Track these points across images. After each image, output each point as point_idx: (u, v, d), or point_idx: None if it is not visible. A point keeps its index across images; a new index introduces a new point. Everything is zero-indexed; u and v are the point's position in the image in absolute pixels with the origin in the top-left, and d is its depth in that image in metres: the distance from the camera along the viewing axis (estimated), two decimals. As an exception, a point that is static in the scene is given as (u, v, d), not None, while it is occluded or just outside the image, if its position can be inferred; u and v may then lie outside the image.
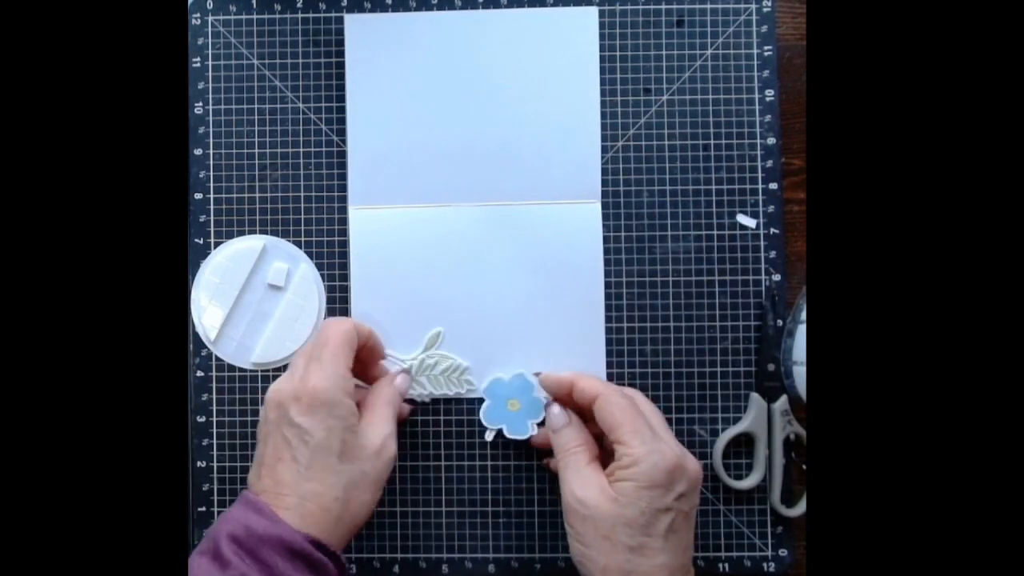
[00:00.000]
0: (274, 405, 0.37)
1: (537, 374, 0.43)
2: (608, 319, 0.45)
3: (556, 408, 0.41)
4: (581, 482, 0.38)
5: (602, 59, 0.46)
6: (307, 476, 0.35)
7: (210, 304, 0.45)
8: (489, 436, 0.45)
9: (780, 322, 0.45)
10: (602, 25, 0.46)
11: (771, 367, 0.45)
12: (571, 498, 0.37)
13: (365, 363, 0.42)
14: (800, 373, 0.44)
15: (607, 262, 0.45)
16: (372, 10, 0.46)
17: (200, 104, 0.46)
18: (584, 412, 0.40)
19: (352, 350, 0.39)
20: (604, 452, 0.40)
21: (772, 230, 0.45)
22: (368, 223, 0.46)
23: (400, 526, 0.45)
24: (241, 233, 0.46)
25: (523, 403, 0.44)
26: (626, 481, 0.36)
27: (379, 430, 0.38)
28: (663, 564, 0.36)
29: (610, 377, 0.45)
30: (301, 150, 0.46)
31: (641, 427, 0.37)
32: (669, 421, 0.45)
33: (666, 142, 0.46)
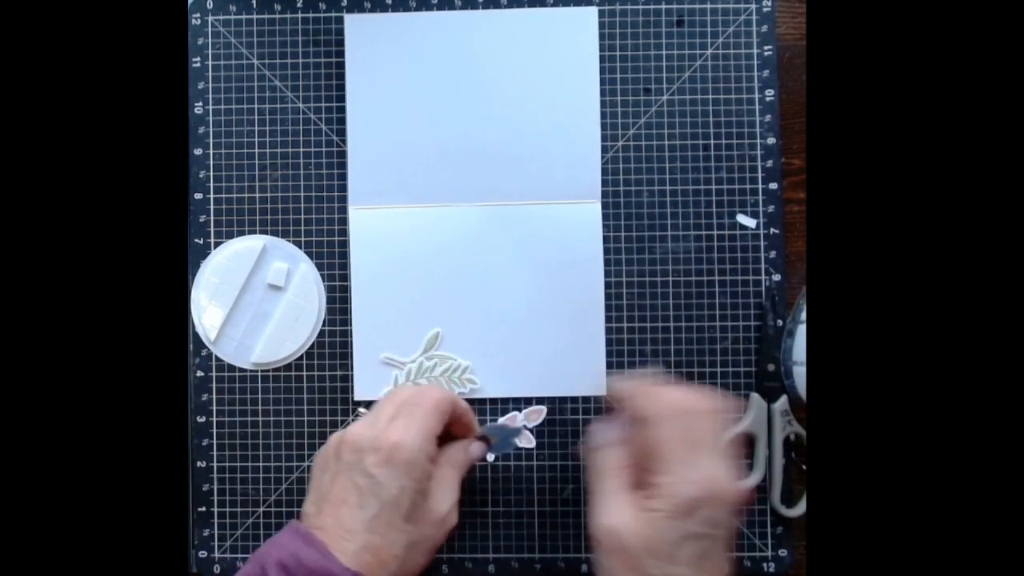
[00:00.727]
0: (351, 448, 0.36)
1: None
2: (608, 319, 0.45)
3: (596, 426, 0.39)
4: (612, 510, 0.35)
5: (602, 59, 0.46)
6: (371, 528, 0.35)
7: (210, 304, 0.45)
8: (491, 458, 0.45)
9: (780, 322, 0.45)
10: (602, 25, 0.46)
11: (771, 367, 0.45)
12: (601, 528, 0.35)
13: (453, 437, 0.41)
14: (800, 373, 0.44)
15: (607, 262, 0.45)
16: (372, 10, 0.46)
17: (200, 104, 0.46)
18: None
19: (444, 417, 0.38)
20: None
21: (772, 230, 0.45)
22: (368, 223, 0.46)
23: (400, 526, 0.45)
24: (241, 233, 0.46)
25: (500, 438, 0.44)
26: (652, 511, 0.34)
27: (447, 498, 0.38)
28: None
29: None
30: (301, 150, 0.46)
31: (678, 454, 0.34)
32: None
33: (666, 142, 0.46)
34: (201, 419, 0.46)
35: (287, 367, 0.46)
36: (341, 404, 0.45)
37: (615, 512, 0.35)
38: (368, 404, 0.45)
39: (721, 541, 0.35)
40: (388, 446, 0.35)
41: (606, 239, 0.45)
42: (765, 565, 0.44)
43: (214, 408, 0.46)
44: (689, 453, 0.35)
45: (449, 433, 0.40)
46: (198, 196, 0.46)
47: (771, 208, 0.45)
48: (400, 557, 0.35)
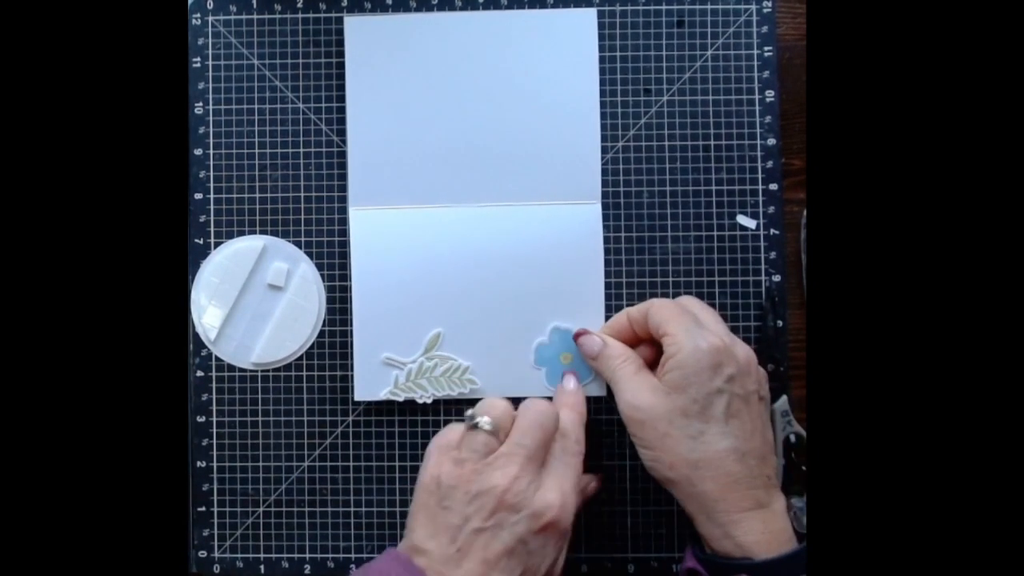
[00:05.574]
0: (508, 508, 0.34)
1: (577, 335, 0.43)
2: (608, 319, 0.45)
3: (585, 337, 0.42)
4: (632, 389, 0.38)
5: (602, 59, 0.46)
6: None
7: (210, 304, 0.46)
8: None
9: (780, 322, 0.45)
10: (602, 26, 0.46)
11: (771, 367, 0.45)
12: (626, 407, 0.38)
13: None
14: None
15: (607, 262, 0.45)
16: (372, 11, 0.46)
17: (200, 104, 0.46)
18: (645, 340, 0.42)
19: None
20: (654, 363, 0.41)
21: (772, 231, 0.45)
22: (368, 223, 0.46)
23: (400, 526, 0.45)
24: (241, 233, 0.46)
25: (574, 353, 0.44)
26: (673, 371, 0.37)
27: (562, 560, 0.37)
28: (729, 448, 0.36)
29: (610, 377, 0.45)
30: (301, 150, 0.46)
31: (685, 320, 0.38)
32: (669, 421, 0.45)
33: (666, 142, 0.46)
34: (201, 419, 0.46)
35: (287, 367, 0.46)
36: (341, 404, 0.45)
37: (637, 389, 0.38)
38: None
39: (749, 403, 0.38)
40: (546, 516, 0.35)
41: (606, 239, 0.45)
42: (765, 565, 0.44)
43: (214, 408, 0.46)
44: (690, 319, 0.39)
45: None
46: (198, 196, 0.46)
47: (771, 209, 0.45)
48: None
